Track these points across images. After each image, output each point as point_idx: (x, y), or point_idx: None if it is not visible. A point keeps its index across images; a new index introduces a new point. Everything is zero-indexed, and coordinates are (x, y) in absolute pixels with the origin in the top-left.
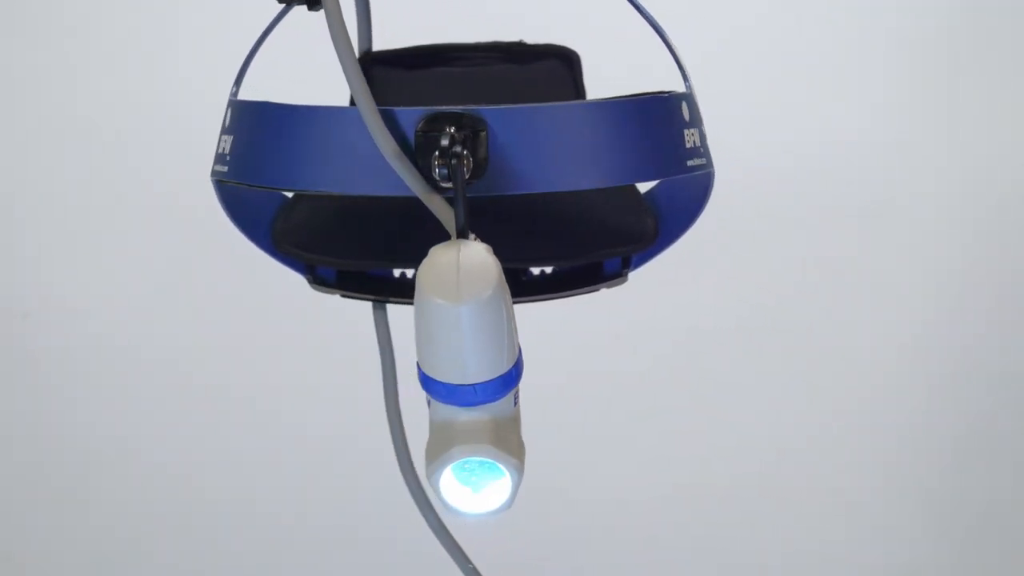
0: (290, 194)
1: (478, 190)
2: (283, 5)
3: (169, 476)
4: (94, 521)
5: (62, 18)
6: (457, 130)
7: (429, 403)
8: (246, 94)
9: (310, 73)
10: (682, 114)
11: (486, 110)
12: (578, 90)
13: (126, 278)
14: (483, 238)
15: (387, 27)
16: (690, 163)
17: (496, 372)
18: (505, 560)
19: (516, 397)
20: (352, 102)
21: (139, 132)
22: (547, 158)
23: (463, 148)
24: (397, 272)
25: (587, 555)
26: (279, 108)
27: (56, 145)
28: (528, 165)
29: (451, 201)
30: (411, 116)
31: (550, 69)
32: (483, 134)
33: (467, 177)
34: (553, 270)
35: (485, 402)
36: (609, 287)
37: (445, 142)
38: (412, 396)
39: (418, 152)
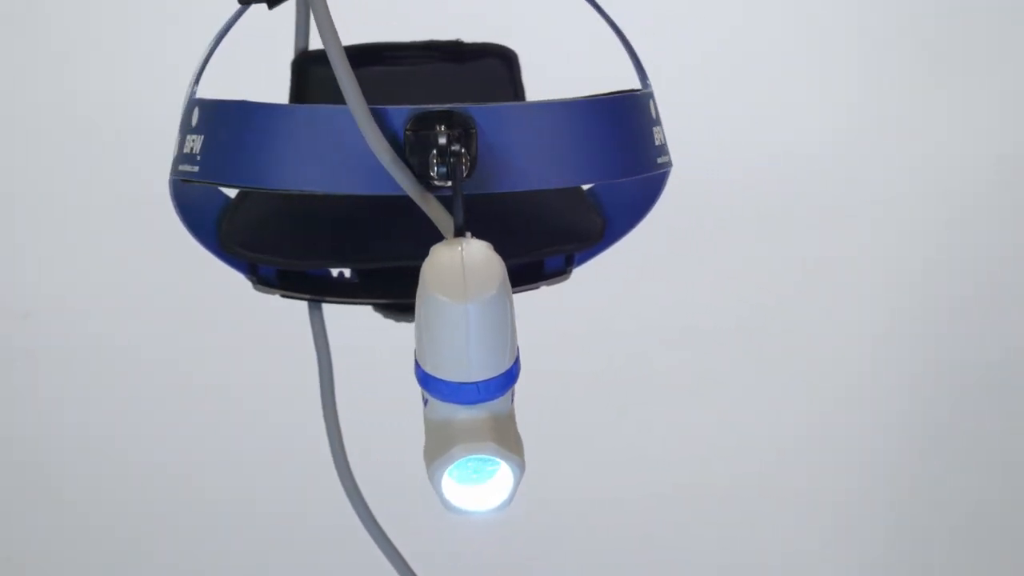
0: (233, 194)
1: (468, 188)
2: (241, 5)
3: (169, 476)
4: (94, 521)
5: (62, 18)
6: (449, 128)
7: (426, 402)
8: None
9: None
10: (651, 112)
11: (474, 108)
12: (516, 89)
13: (126, 278)
14: (421, 237)
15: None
16: (659, 160)
17: (499, 369)
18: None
19: (512, 394)
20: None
21: (139, 132)
22: (534, 155)
23: (461, 146)
24: (335, 272)
25: (587, 555)
26: (264, 108)
27: (56, 145)
28: (516, 162)
29: (443, 199)
30: (400, 115)
31: (489, 68)
32: (474, 132)
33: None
34: None
35: (487, 399)
36: (550, 285)
37: (443, 140)
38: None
39: (410, 151)
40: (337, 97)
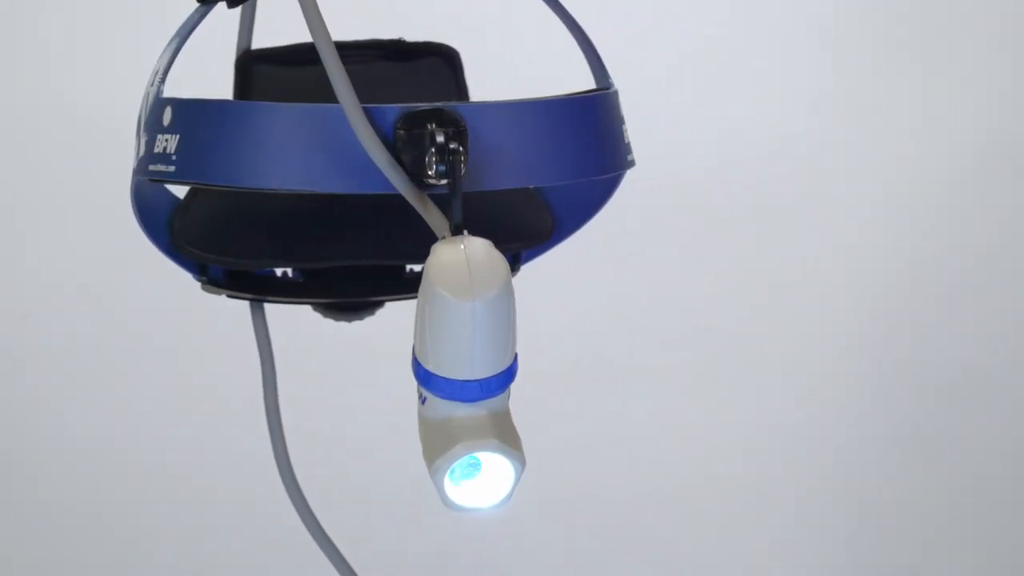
0: (182, 195)
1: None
2: (201, 5)
3: (169, 476)
4: (94, 521)
5: (62, 18)
6: (441, 127)
7: (424, 401)
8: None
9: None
10: (620, 110)
11: (462, 106)
12: (460, 88)
13: (127, 278)
14: (359, 234)
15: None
16: (629, 158)
17: (501, 367)
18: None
19: (509, 391)
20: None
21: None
22: (521, 153)
23: (458, 144)
24: (279, 271)
25: (587, 555)
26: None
27: (56, 145)
28: (504, 160)
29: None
30: (390, 114)
31: (431, 67)
32: (465, 130)
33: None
34: None
35: (488, 397)
36: None
37: (441, 139)
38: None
39: (402, 149)
40: (285, 96)
